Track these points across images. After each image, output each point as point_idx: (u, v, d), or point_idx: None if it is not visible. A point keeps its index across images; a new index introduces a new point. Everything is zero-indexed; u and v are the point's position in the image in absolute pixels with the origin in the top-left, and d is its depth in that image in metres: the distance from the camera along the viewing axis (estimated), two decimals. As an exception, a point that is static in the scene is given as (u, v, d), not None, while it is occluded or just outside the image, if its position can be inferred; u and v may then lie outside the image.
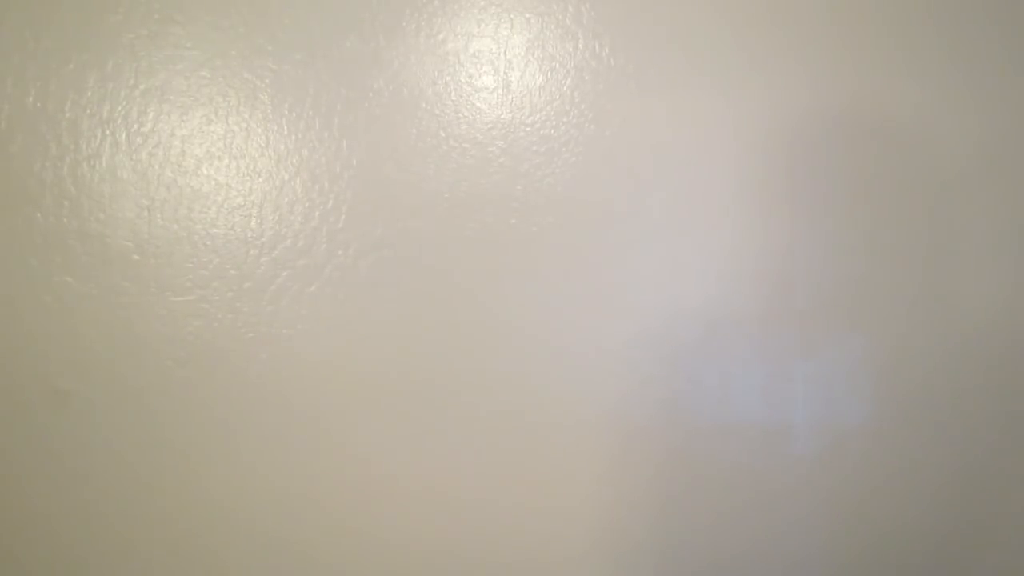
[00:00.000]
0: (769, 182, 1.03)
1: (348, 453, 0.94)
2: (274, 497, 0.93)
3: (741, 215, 1.02)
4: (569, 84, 0.98)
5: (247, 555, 0.93)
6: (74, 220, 0.87)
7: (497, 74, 0.96)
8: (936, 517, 1.09)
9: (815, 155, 1.04)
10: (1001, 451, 1.10)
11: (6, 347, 0.87)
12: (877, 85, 1.05)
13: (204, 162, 0.90)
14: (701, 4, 1.00)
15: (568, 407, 0.99)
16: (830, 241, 1.04)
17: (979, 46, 1.07)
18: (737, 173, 1.01)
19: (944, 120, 1.06)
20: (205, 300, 0.90)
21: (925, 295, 1.07)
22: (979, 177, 1.08)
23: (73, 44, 0.87)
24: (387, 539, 0.96)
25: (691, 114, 1.00)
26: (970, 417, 1.08)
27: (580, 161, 0.97)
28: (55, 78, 0.87)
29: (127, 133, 0.88)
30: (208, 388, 0.91)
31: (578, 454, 0.99)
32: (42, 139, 0.87)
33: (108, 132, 0.88)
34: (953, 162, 1.07)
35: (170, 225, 0.89)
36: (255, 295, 0.91)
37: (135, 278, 0.89)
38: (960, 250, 1.08)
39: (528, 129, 0.97)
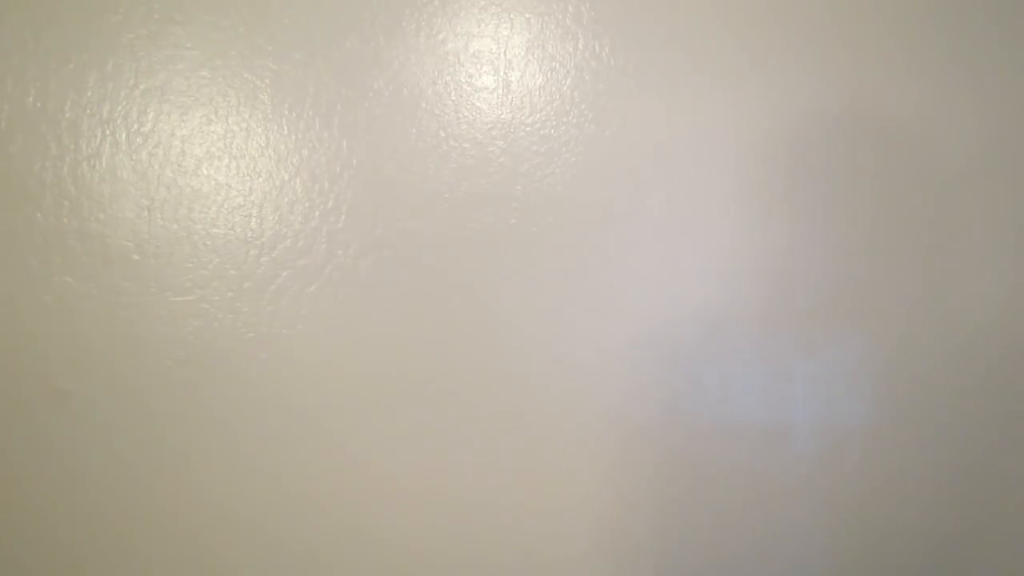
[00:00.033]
0: (769, 182, 1.03)
1: (348, 453, 0.94)
2: (274, 497, 0.93)
3: (741, 215, 1.02)
4: (569, 84, 0.98)
5: (247, 555, 0.93)
6: (74, 220, 0.87)
7: (497, 74, 0.96)
8: (936, 517, 1.09)
9: (815, 155, 1.04)
10: (1001, 451, 1.10)
11: (6, 347, 0.87)
12: (877, 85, 1.05)
13: (204, 162, 0.90)
14: (701, 4, 1.00)
15: (568, 407, 0.99)
16: (830, 241, 1.04)
17: (979, 46, 1.07)
18: (737, 173, 1.01)
19: (944, 120, 1.06)
20: (205, 300, 0.90)
21: (925, 295, 1.07)
22: (979, 177, 1.08)
23: (73, 44, 0.87)
24: (387, 539, 0.96)
25: (691, 114, 1.00)
26: (970, 417, 1.08)
27: (580, 161, 0.97)
28: (55, 78, 0.87)
29: (127, 133, 0.88)
30: (208, 388, 0.91)
31: (578, 454, 0.99)
32: (42, 139, 0.87)
33: (108, 132, 0.88)
34: (953, 162, 1.07)
35: (170, 225, 0.89)
36: (255, 295, 0.91)
37: (135, 278, 0.89)
38: (960, 250, 1.08)
39: (528, 129, 0.97)
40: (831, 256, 1.04)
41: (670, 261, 1.00)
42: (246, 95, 0.91)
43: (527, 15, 0.97)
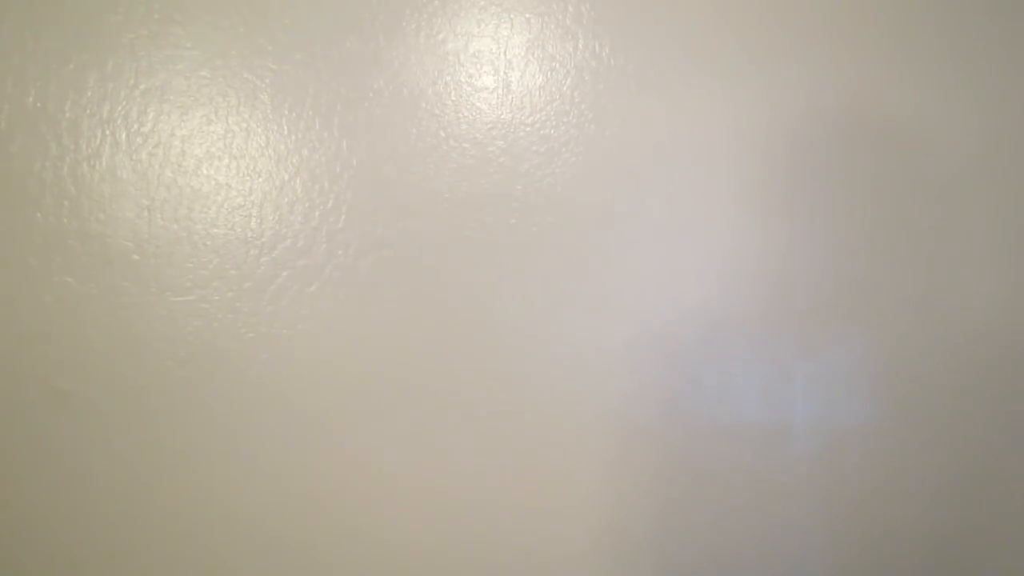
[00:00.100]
0: (769, 182, 1.03)
1: (348, 453, 0.94)
2: (274, 497, 0.93)
3: (741, 215, 1.02)
4: (569, 84, 0.98)
5: (247, 555, 0.93)
6: (74, 220, 0.87)
7: (497, 74, 0.96)
8: (936, 517, 1.09)
9: (815, 155, 1.04)
10: (1001, 451, 1.10)
11: (6, 347, 0.87)
12: (877, 85, 1.05)
13: (204, 162, 0.90)
14: (701, 4, 1.00)
15: (568, 407, 0.99)
16: (830, 241, 1.04)
17: (979, 46, 1.07)
18: (737, 173, 1.01)
19: (944, 120, 1.06)
20: (205, 300, 0.90)
21: (925, 295, 1.07)
22: (979, 177, 1.08)
23: (73, 44, 0.87)
24: (387, 539, 0.96)
25: (691, 114, 1.00)
26: (970, 417, 1.08)
27: (580, 161, 0.97)
28: (55, 78, 0.87)
29: (127, 133, 0.88)
30: (208, 388, 0.91)
31: (578, 454, 0.99)
32: (42, 139, 0.87)
33: (108, 132, 0.88)
34: (953, 162, 1.07)
35: (170, 225, 0.89)
36: (255, 295, 0.91)
37: (135, 278, 0.89)
38: (960, 250, 1.08)
39: (528, 129, 0.97)
40: (831, 256, 1.04)
41: (670, 261, 1.00)
42: (246, 95, 0.91)
43: (527, 15, 0.97)
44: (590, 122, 0.98)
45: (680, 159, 1.00)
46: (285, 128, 0.92)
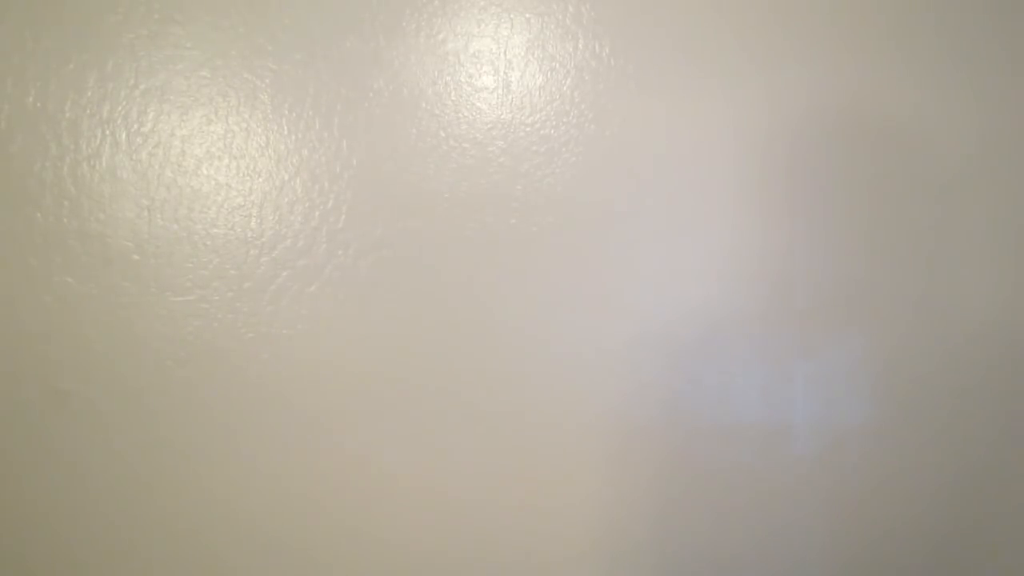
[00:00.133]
0: (769, 182, 1.03)
1: (348, 453, 0.94)
2: (274, 497, 0.93)
3: (741, 215, 1.02)
4: (569, 84, 0.98)
5: (247, 555, 0.93)
6: (74, 220, 0.87)
7: (497, 74, 0.96)
8: (936, 517, 1.09)
9: (815, 155, 1.04)
10: (1001, 451, 1.10)
11: (6, 347, 0.87)
12: (877, 85, 1.05)
13: (204, 162, 0.90)
14: (701, 5, 1.00)
15: (568, 407, 0.99)
16: (830, 241, 1.04)
17: (979, 46, 1.07)
18: (737, 173, 1.01)
19: (944, 120, 1.06)
20: (205, 300, 0.90)
21: (925, 295, 1.07)
22: (979, 177, 1.08)
23: (73, 44, 0.87)
24: (387, 539, 0.96)
25: (691, 114, 1.00)
26: (970, 417, 1.08)
27: (580, 161, 0.97)
28: (55, 78, 0.87)
29: (127, 133, 0.88)
30: (208, 388, 0.91)
31: (578, 454, 0.99)
32: (42, 139, 0.87)
33: (108, 132, 0.88)
34: (953, 163, 1.07)
35: (170, 225, 0.89)
36: (255, 295, 0.91)
37: (135, 278, 0.89)
38: (960, 250, 1.08)
39: (528, 129, 0.97)
40: (831, 256, 1.04)
41: (670, 261, 1.00)
42: (246, 95, 0.91)
43: (527, 15, 0.97)
44: (590, 122, 0.98)
45: (680, 159, 1.00)
46: (285, 128, 0.92)
